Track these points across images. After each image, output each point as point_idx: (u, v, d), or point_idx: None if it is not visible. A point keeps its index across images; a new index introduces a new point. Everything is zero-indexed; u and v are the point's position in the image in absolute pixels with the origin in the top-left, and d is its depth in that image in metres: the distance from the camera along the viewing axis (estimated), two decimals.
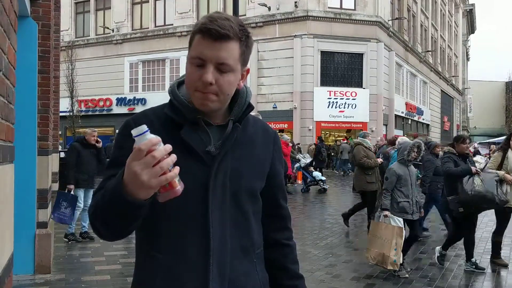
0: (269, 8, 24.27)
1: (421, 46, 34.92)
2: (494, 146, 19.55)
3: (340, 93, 24.26)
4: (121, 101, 28.04)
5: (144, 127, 1.07)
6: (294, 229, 1.45)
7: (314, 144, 21.19)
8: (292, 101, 23.99)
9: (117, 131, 1.79)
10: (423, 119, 35.45)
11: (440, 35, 41.54)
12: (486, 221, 9.02)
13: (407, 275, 5.58)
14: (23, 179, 4.52)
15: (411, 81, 32.78)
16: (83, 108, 27.72)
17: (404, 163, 5.72)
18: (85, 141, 7.43)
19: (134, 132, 1.07)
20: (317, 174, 15.29)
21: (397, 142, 7.82)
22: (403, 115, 30.17)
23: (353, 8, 24.93)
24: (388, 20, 26.64)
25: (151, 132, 1.08)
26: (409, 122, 32.31)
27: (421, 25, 35.25)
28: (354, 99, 24.38)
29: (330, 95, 24.12)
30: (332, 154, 23.85)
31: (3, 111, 1.84)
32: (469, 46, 60.52)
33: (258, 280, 1.42)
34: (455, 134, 45.15)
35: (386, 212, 5.56)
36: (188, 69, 1.32)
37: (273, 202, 1.51)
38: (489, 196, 5.57)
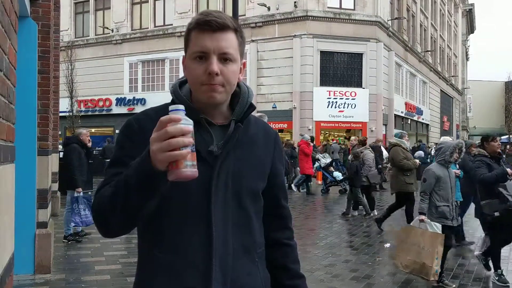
0: (269, 8, 24.25)
1: (421, 46, 34.92)
2: None
3: (339, 93, 24.25)
4: (120, 101, 28.00)
5: (180, 106, 1.13)
6: (294, 228, 1.45)
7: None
8: (292, 101, 23.97)
9: (117, 131, 1.79)
10: (423, 119, 35.44)
11: (440, 35, 41.54)
12: None
13: (454, 286, 5.25)
14: (23, 179, 4.52)
15: (411, 81, 32.77)
16: (83, 108, 27.67)
17: (444, 164, 5.32)
18: (81, 142, 7.46)
19: (171, 107, 1.13)
20: (337, 174, 14.64)
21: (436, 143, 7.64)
22: (402, 115, 30.16)
23: (353, 8, 24.92)
24: (388, 20, 26.64)
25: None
26: (409, 122, 32.30)
27: (421, 25, 35.25)
28: (354, 99, 24.37)
29: (329, 95, 24.10)
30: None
31: (4, 111, 1.84)
32: (468, 46, 60.52)
33: (260, 280, 1.42)
34: (454, 134, 45.25)
35: (423, 217, 5.16)
36: (190, 65, 1.33)
37: (274, 202, 1.52)
38: None
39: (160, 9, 28.21)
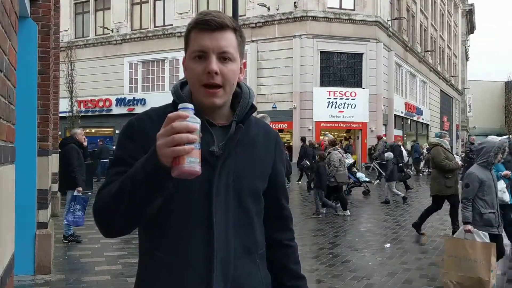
0: (269, 9, 24.27)
1: (421, 46, 34.93)
2: None
3: (339, 93, 24.26)
4: (120, 102, 28.02)
5: (189, 104, 1.14)
6: (294, 229, 1.44)
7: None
8: (292, 101, 23.99)
9: (117, 131, 1.79)
10: (423, 119, 35.46)
11: (440, 35, 41.55)
12: None
13: None
14: (23, 179, 4.52)
15: (411, 81, 32.79)
16: (83, 109, 27.67)
17: (486, 166, 4.85)
18: (77, 141, 7.45)
19: (180, 105, 1.15)
20: (361, 175, 14.27)
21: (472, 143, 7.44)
22: (402, 115, 30.18)
23: (353, 8, 24.94)
24: (388, 20, 26.65)
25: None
26: (409, 122, 32.32)
27: (421, 25, 35.27)
28: (354, 99, 24.39)
29: (329, 95, 24.12)
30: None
31: (4, 112, 1.84)
32: (468, 46, 60.54)
33: (261, 280, 1.41)
34: (454, 134, 45.25)
35: (469, 227, 4.67)
36: (190, 65, 1.33)
37: (275, 203, 1.52)
38: None
39: (160, 10, 28.23)
